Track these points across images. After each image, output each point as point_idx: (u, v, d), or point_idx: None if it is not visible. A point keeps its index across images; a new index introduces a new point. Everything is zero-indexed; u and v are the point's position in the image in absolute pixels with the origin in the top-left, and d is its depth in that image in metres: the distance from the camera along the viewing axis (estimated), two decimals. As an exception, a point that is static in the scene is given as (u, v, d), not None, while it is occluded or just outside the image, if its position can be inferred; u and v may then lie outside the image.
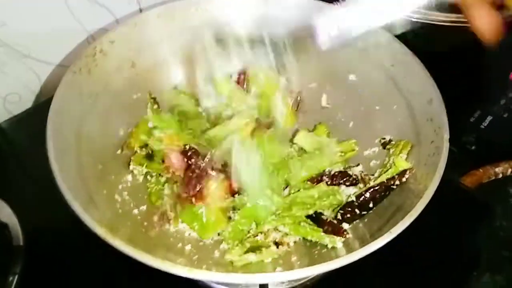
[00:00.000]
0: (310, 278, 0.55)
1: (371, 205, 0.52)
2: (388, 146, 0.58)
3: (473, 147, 0.74)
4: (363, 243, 0.42)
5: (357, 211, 0.52)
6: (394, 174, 0.52)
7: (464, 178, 0.69)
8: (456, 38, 0.76)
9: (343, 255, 0.40)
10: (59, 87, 0.52)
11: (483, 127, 0.75)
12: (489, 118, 0.75)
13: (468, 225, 0.63)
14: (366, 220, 0.51)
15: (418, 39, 0.74)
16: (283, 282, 0.54)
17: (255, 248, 0.49)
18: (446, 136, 0.49)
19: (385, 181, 0.52)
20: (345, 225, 0.51)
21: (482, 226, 0.64)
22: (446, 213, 0.61)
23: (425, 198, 0.43)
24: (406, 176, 0.51)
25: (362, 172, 0.58)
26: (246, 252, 0.48)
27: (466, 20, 0.69)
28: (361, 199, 0.52)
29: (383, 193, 0.52)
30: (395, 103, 0.59)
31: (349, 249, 0.41)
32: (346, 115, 0.65)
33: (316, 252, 0.49)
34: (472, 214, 0.64)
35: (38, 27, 0.68)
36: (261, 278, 0.41)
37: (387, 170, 0.54)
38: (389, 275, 0.59)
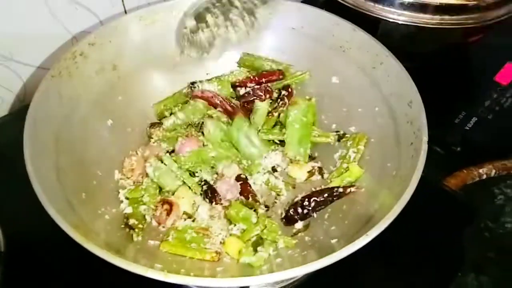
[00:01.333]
0: (296, 279, 0.55)
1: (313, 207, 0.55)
2: (343, 139, 0.61)
3: (458, 148, 0.74)
4: (342, 244, 0.41)
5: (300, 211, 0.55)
6: (344, 180, 0.56)
7: (448, 179, 0.69)
8: (441, 39, 0.77)
9: (323, 256, 0.40)
10: (37, 91, 0.52)
11: (468, 128, 0.75)
12: (474, 119, 0.76)
13: (452, 226, 0.63)
14: (346, 221, 0.51)
15: (403, 40, 0.75)
16: (266, 285, 0.54)
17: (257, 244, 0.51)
18: (425, 138, 0.49)
19: (330, 190, 0.55)
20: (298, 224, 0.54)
21: (466, 227, 0.64)
22: (430, 214, 0.61)
23: (402, 200, 0.43)
24: (352, 190, 0.54)
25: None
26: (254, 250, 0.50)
27: (450, 21, 0.70)
28: (304, 203, 0.55)
29: (326, 200, 0.55)
30: (376, 105, 0.59)
31: (328, 250, 0.41)
32: (328, 117, 0.65)
33: (296, 254, 0.49)
34: (457, 215, 0.64)
35: (20, 29, 0.68)
36: (241, 282, 0.40)
37: (340, 174, 0.57)
38: (374, 276, 0.59)
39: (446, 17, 0.71)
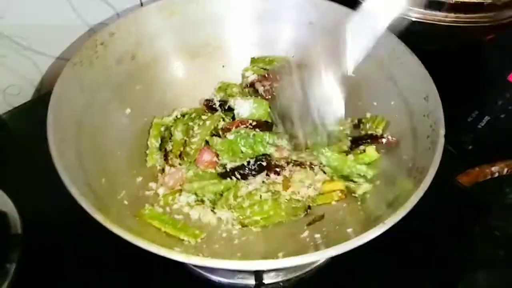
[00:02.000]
0: (305, 271, 0.56)
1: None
2: (362, 123, 0.63)
3: (470, 147, 0.74)
4: (357, 233, 0.42)
5: None
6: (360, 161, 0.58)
7: (460, 177, 0.69)
8: (454, 38, 0.77)
9: (335, 245, 0.40)
10: (60, 78, 0.53)
11: (480, 127, 0.75)
12: (487, 118, 0.76)
13: (464, 224, 0.63)
14: (361, 212, 0.51)
15: (417, 38, 0.75)
16: (278, 271, 0.54)
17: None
18: (442, 131, 0.49)
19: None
20: None
21: (478, 224, 0.64)
22: (442, 211, 0.62)
23: (420, 190, 0.44)
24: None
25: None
26: None
27: (465, 20, 0.70)
28: None
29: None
30: (392, 99, 0.60)
31: (342, 239, 0.41)
32: (344, 110, 0.65)
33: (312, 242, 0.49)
34: (468, 213, 0.65)
35: (38, 20, 0.68)
36: (255, 265, 0.41)
37: (357, 155, 0.59)
38: (384, 271, 0.59)
39: (461, 15, 0.71)
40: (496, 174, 0.72)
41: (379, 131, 0.60)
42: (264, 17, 0.69)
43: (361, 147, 0.60)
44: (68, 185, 0.42)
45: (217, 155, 0.61)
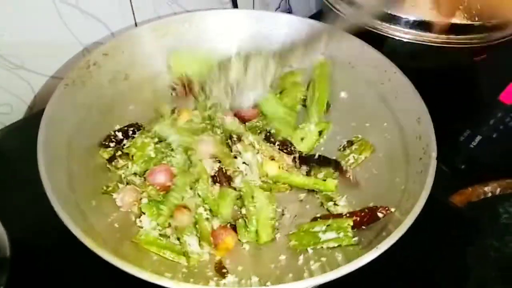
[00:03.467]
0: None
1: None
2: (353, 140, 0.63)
3: (462, 166, 0.74)
4: (350, 258, 0.42)
5: None
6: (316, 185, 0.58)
7: (453, 197, 0.69)
8: (446, 58, 0.78)
9: (329, 270, 0.40)
10: (52, 98, 0.53)
11: (472, 146, 0.75)
12: (479, 137, 0.76)
13: (457, 244, 0.63)
14: (354, 236, 0.51)
15: (409, 58, 0.76)
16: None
17: None
18: (434, 154, 0.50)
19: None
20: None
21: (471, 245, 0.64)
22: (435, 232, 0.61)
23: (412, 214, 0.44)
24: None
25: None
26: None
27: (456, 41, 0.72)
28: None
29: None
30: (385, 121, 0.60)
31: (335, 264, 0.41)
32: (336, 131, 0.66)
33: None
34: (462, 233, 0.64)
35: (32, 39, 0.68)
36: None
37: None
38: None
39: (452, 36, 0.72)
40: (489, 194, 0.72)
41: (361, 157, 0.60)
42: (256, 38, 0.70)
43: (321, 175, 0.59)
44: (56, 208, 0.42)
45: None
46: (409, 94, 0.57)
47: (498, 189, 0.72)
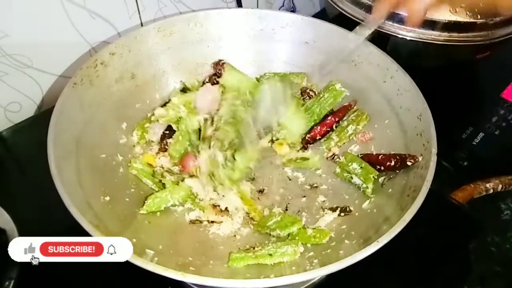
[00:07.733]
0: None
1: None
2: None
3: (465, 163, 0.75)
4: (350, 252, 0.42)
5: None
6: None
7: (455, 193, 0.70)
8: (448, 56, 0.79)
9: (330, 263, 0.41)
10: (61, 97, 0.54)
11: (475, 143, 0.76)
12: (481, 134, 0.77)
13: (459, 240, 0.63)
14: (353, 231, 0.52)
15: (412, 56, 0.76)
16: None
17: None
18: (434, 150, 0.50)
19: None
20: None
21: (473, 241, 0.64)
22: (437, 228, 0.62)
23: (412, 209, 0.44)
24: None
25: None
26: None
27: (458, 38, 0.72)
28: None
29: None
30: (387, 118, 0.61)
31: (335, 257, 0.42)
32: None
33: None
34: (464, 229, 0.65)
35: (40, 38, 0.70)
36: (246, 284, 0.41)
37: None
38: (379, 288, 0.59)
39: (454, 34, 0.73)
40: (491, 191, 0.72)
41: (359, 128, 0.63)
42: (260, 37, 0.71)
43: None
44: (67, 204, 0.43)
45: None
46: (410, 91, 0.58)
47: (500, 186, 0.72)
